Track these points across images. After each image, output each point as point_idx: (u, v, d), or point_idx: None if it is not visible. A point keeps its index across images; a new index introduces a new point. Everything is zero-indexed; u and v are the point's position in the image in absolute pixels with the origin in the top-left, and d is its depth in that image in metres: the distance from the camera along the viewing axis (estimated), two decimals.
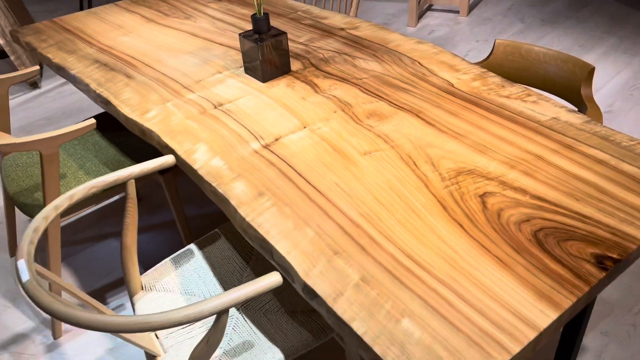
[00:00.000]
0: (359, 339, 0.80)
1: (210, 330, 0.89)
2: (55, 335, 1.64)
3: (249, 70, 1.50)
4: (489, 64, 1.60)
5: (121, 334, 1.02)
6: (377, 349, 0.78)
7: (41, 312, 1.73)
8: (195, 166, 1.17)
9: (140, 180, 1.57)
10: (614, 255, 0.89)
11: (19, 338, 1.65)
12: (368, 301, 0.85)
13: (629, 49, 3.09)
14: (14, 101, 2.97)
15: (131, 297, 1.24)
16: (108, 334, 1.65)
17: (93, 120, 1.39)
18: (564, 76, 1.46)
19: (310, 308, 1.17)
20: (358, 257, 0.92)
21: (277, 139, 1.24)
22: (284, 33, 1.45)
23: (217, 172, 1.15)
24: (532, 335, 0.78)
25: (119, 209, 2.13)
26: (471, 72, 1.44)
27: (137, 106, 1.40)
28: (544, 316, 0.80)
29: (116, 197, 2.19)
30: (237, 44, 1.69)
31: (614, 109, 2.57)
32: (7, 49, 2.87)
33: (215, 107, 1.37)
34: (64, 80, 3.20)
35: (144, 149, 1.69)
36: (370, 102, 1.34)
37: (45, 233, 1.58)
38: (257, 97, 1.40)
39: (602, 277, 0.86)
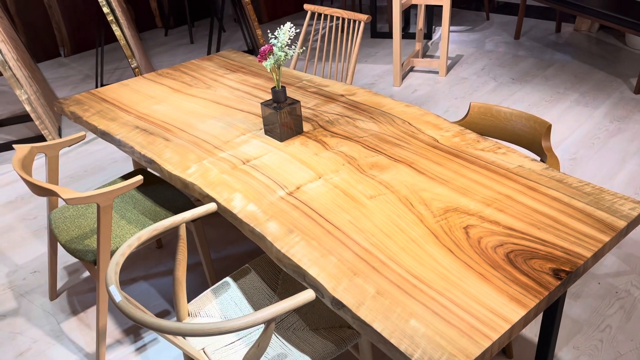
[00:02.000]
0: (378, 335, 1.07)
1: (260, 336, 1.15)
2: None
3: (269, 132, 1.80)
4: (466, 123, 1.92)
5: (181, 348, 1.27)
6: (394, 341, 1.04)
7: (83, 347, 1.95)
8: (235, 211, 1.45)
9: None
10: (567, 269, 1.17)
11: None
12: (383, 308, 1.11)
13: (590, 103, 3.48)
14: (38, 161, 3.24)
15: (179, 321, 1.48)
16: None
17: (140, 177, 1.66)
18: (527, 131, 1.78)
19: (331, 325, 1.43)
20: (373, 277, 1.19)
21: (298, 188, 1.52)
22: (298, 102, 1.76)
23: (253, 215, 1.43)
24: (506, 326, 1.05)
25: (144, 255, 2.38)
26: (452, 129, 1.76)
27: (178, 164, 1.69)
28: (515, 313, 1.08)
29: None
30: (255, 110, 2.00)
31: (578, 157, 2.91)
32: (32, 115, 3.16)
33: (244, 163, 1.66)
34: (82, 141, 3.49)
35: (175, 200, 1.96)
36: (372, 156, 1.64)
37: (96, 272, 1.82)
38: (277, 154, 1.70)
39: (558, 285, 1.14)
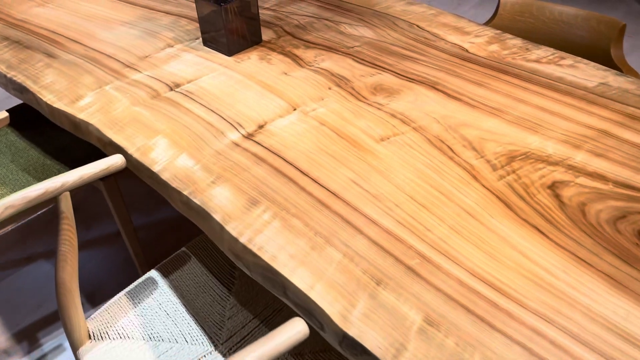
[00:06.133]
0: None
1: None
2: None
3: (210, 41, 1.18)
4: (494, 27, 1.35)
5: None
6: None
7: None
8: (155, 168, 0.86)
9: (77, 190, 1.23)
10: None
11: None
12: (446, 356, 0.58)
13: None
14: None
15: (75, 350, 0.91)
16: None
17: (5, 114, 1.03)
18: (587, 37, 1.24)
19: (320, 348, 0.89)
20: (411, 286, 0.65)
21: (261, 126, 0.94)
22: None
23: (186, 175, 0.84)
24: None
25: (48, 221, 1.76)
26: (484, 34, 1.19)
27: (65, 92, 1.06)
28: None
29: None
30: (187, 12, 1.36)
31: None
32: None
33: (172, 89, 1.05)
34: None
35: (77, 148, 1.34)
36: (371, 75, 1.07)
37: None
38: (224, 74, 1.09)
39: None
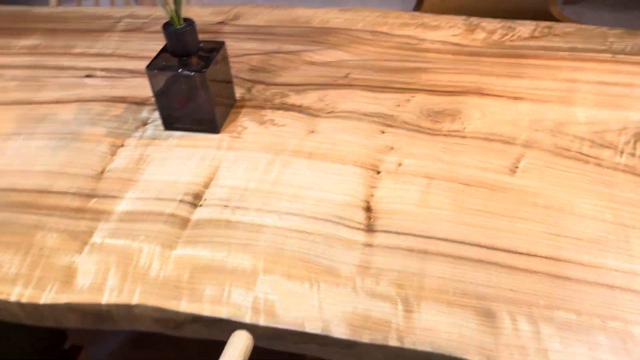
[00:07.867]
0: None
1: None
2: None
3: (176, 123, 0.86)
4: (425, 11, 1.28)
5: None
6: None
7: None
8: (310, 328, 0.58)
9: None
10: None
11: None
12: None
13: None
14: None
15: None
16: None
17: None
18: (518, 3, 1.25)
19: None
20: None
21: (368, 209, 0.71)
22: (222, 43, 0.86)
23: (361, 316, 0.59)
24: None
25: None
26: (452, 24, 1.10)
27: (36, 274, 0.65)
28: None
29: None
30: (83, 93, 0.97)
31: None
32: None
33: (195, 206, 0.73)
34: None
35: (12, 335, 0.88)
36: (406, 101, 0.90)
37: None
38: (238, 159, 0.81)
39: None
